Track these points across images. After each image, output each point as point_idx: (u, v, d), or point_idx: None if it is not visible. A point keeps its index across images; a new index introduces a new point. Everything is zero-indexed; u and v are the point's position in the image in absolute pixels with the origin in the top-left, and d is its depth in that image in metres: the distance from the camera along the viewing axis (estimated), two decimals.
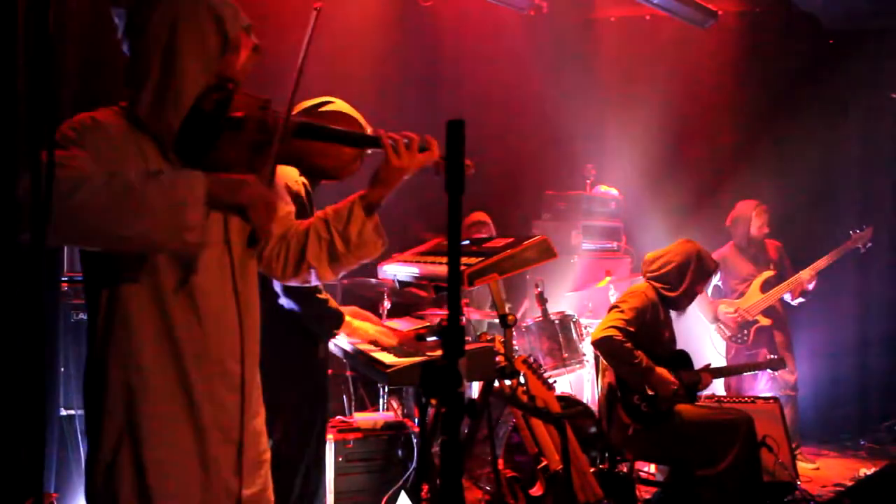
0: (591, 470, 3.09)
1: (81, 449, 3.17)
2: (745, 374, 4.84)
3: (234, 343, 1.61)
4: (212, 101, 1.55)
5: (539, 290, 4.31)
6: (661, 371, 3.40)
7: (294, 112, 1.66)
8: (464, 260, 2.20)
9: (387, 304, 4.28)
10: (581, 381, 4.71)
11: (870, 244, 4.94)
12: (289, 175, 2.37)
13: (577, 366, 4.24)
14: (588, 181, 5.42)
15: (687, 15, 5.71)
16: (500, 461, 3.38)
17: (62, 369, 3.24)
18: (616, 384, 3.48)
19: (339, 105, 2.48)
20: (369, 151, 1.84)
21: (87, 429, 1.57)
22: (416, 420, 3.54)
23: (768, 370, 4.34)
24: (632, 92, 6.00)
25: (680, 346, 3.72)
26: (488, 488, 3.36)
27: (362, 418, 3.58)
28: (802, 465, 4.70)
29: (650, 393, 3.42)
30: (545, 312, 4.24)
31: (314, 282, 1.84)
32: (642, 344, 3.41)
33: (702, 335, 5.15)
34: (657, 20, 6.06)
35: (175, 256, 1.53)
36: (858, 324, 5.86)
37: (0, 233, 1.32)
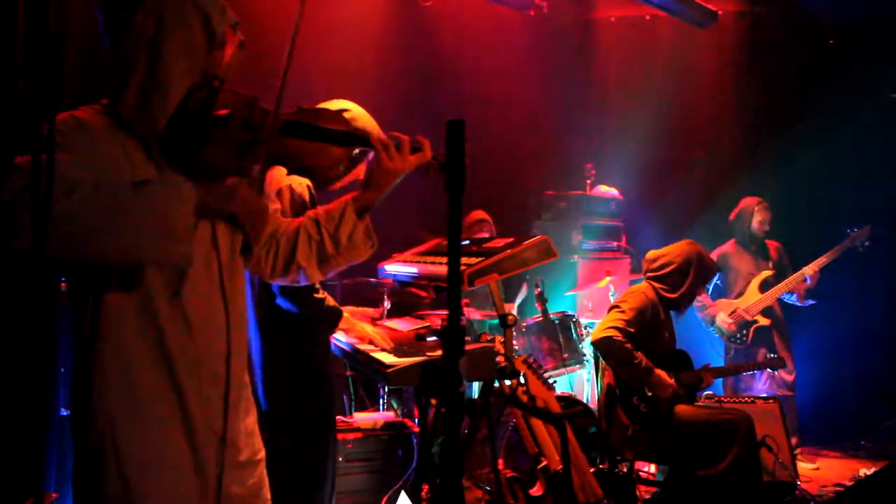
0: (591, 470, 3.09)
1: None
2: (744, 373, 4.85)
3: (220, 343, 1.59)
4: (197, 100, 1.51)
5: (539, 290, 4.31)
6: (660, 373, 3.40)
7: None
8: (464, 260, 2.20)
9: (387, 304, 4.28)
10: (581, 381, 4.71)
11: (868, 243, 4.93)
12: (293, 178, 2.36)
13: (577, 366, 4.24)
14: (588, 181, 5.42)
15: (687, 15, 5.71)
16: (500, 461, 3.38)
17: (62, 369, 3.24)
18: (615, 385, 3.48)
19: (355, 112, 2.47)
20: (356, 151, 1.82)
21: (73, 429, 1.54)
22: (416, 420, 3.54)
23: (768, 369, 4.34)
24: (632, 92, 6.00)
25: (679, 346, 3.72)
26: (488, 488, 3.36)
27: (362, 418, 3.58)
28: (802, 465, 4.70)
29: (649, 394, 3.42)
30: (545, 312, 4.24)
31: (303, 282, 1.83)
32: (642, 344, 3.41)
33: (701, 335, 5.15)
34: (657, 20, 6.06)
35: (162, 268, 1.51)
36: (858, 324, 5.85)
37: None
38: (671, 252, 3.67)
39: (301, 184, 2.38)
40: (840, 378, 5.76)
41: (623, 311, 3.46)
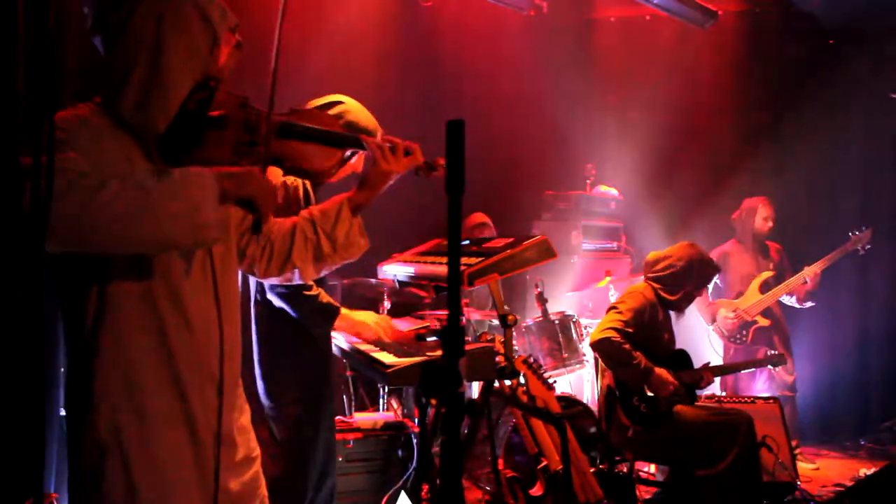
0: (591, 470, 3.09)
1: None
2: (743, 372, 4.85)
3: (215, 342, 1.60)
4: (195, 101, 1.52)
5: (539, 290, 4.31)
6: (661, 371, 3.40)
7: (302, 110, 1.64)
8: (464, 260, 2.19)
9: (387, 304, 4.28)
10: (581, 381, 4.71)
11: (869, 246, 4.94)
12: (287, 177, 2.36)
13: (577, 366, 4.24)
14: (588, 181, 5.43)
15: (687, 15, 5.72)
16: (500, 461, 3.38)
17: (62, 369, 3.24)
18: (615, 386, 3.48)
19: (349, 105, 2.47)
20: (348, 153, 1.85)
21: (69, 429, 1.54)
22: (416, 420, 3.54)
23: (769, 366, 4.34)
24: (632, 92, 6.01)
25: (679, 345, 3.72)
26: (488, 488, 3.36)
27: (362, 418, 3.58)
28: (802, 465, 4.70)
29: (649, 394, 3.42)
30: (545, 312, 4.24)
31: (297, 280, 1.86)
32: (641, 344, 3.41)
33: (701, 335, 5.15)
34: (657, 20, 6.06)
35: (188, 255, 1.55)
36: (858, 324, 5.86)
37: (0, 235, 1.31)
38: (672, 254, 3.67)
39: (295, 182, 2.38)
40: (840, 378, 5.76)
41: (621, 312, 3.46)
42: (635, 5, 5.76)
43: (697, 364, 3.71)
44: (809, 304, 5.01)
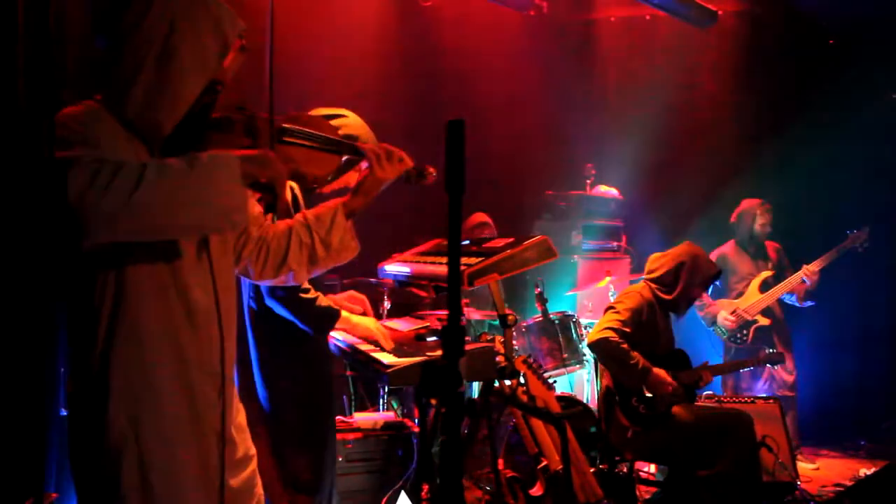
0: (591, 470, 3.09)
1: None
2: (743, 371, 4.85)
3: (216, 340, 1.62)
4: (200, 104, 1.54)
5: (539, 290, 4.31)
6: (659, 371, 3.39)
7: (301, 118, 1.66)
8: (464, 260, 2.19)
9: (387, 304, 4.28)
10: (581, 381, 4.71)
11: (867, 244, 4.93)
12: None
13: (577, 366, 4.24)
14: (588, 181, 5.42)
15: (687, 15, 5.71)
16: (500, 461, 3.37)
17: (62, 369, 3.24)
18: (614, 387, 3.48)
19: (350, 119, 2.47)
20: (345, 159, 1.87)
21: (76, 429, 1.54)
22: (416, 420, 3.54)
23: (767, 365, 4.33)
24: (632, 92, 6.00)
25: (678, 346, 3.72)
26: (488, 488, 3.36)
27: (362, 418, 3.58)
28: (802, 465, 4.70)
29: (647, 395, 3.42)
30: (545, 312, 4.24)
31: (290, 282, 1.89)
32: (639, 344, 3.41)
33: (700, 335, 5.15)
34: (657, 20, 6.06)
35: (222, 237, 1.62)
36: (858, 323, 5.86)
37: (0, 235, 1.31)
38: (668, 254, 3.68)
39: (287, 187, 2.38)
40: (840, 378, 5.76)
41: (618, 312, 3.46)
42: (635, 5, 5.77)
43: (696, 364, 3.71)
44: (810, 303, 5.01)
